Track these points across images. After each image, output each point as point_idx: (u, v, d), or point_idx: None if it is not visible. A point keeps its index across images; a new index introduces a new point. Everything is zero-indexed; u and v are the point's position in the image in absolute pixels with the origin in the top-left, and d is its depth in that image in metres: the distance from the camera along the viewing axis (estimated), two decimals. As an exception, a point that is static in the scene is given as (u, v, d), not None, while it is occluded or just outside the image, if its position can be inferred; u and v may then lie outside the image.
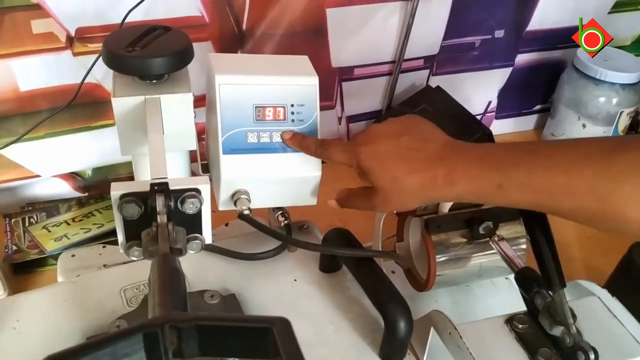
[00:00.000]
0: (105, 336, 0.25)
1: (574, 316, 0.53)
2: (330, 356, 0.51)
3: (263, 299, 0.56)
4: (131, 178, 0.87)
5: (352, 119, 0.97)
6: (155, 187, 0.39)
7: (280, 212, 0.63)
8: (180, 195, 0.41)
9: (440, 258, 0.65)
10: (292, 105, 0.57)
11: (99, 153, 0.82)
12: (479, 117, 1.06)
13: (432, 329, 0.60)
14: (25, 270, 0.73)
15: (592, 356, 0.50)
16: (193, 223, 0.43)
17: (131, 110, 0.53)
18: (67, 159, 0.81)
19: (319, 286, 0.58)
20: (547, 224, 0.56)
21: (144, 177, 0.60)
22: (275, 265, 0.60)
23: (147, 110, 0.52)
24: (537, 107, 1.10)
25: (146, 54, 0.52)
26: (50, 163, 0.81)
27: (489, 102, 1.05)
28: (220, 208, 0.58)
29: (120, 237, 0.43)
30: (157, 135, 0.48)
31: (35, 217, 0.80)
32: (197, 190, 0.42)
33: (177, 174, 0.61)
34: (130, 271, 0.58)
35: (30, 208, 0.82)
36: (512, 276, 0.74)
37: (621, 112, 0.94)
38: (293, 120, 0.58)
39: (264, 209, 0.64)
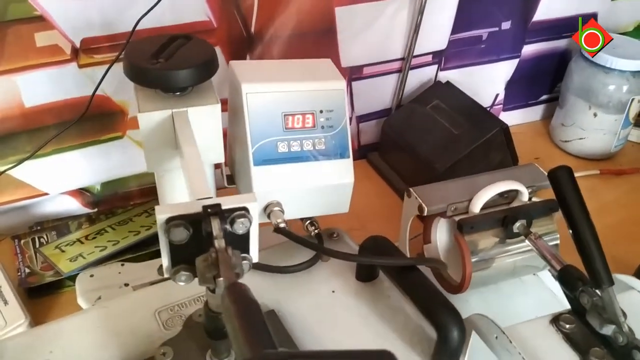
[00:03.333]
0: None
1: (624, 314, 0.52)
2: (380, 371, 0.49)
3: (303, 312, 0.54)
4: (142, 191, 0.85)
5: (362, 118, 0.95)
6: (209, 210, 0.37)
7: (308, 221, 0.62)
8: (230, 215, 0.39)
9: (474, 259, 0.64)
10: (321, 112, 0.56)
11: (107, 167, 0.80)
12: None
13: (473, 332, 0.59)
14: (41, 294, 0.70)
15: (648, 354, 0.50)
16: (242, 243, 0.41)
17: (157, 125, 0.51)
18: (75, 174, 0.78)
19: (358, 296, 0.57)
20: (589, 218, 0.55)
21: (169, 194, 0.58)
22: (310, 277, 0.58)
23: (177, 125, 0.49)
24: (544, 97, 1.10)
25: (172, 66, 0.49)
26: (58, 180, 0.78)
27: (497, 95, 1.04)
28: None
29: (166, 261, 0.41)
30: (192, 149, 0.46)
31: (45, 236, 0.77)
32: (246, 209, 0.40)
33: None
34: (161, 292, 0.56)
35: (39, 228, 0.79)
36: (541, 273, 0.73)
37: (632, 100, 0.93)
38: (323, 127, 0.56)
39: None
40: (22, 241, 0.77)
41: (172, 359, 0.44)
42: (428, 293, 0.50)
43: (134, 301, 0.55)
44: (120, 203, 0.83)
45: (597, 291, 0.53)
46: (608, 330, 0.52)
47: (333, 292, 0.57)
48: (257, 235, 0.42)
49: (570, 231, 0.55)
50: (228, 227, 0.37)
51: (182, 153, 0.46)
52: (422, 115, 0.90)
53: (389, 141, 0.93)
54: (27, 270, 0.72)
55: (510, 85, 1.04)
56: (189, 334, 0.46)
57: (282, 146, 0.54)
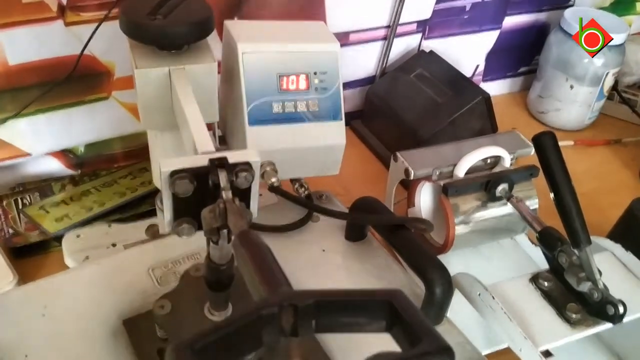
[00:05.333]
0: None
1: (599, 272, 0.56)
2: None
3: (295, 271, 0.55)
4: (126, 154, 0.85)
5: (345, 86, 0.95)
6: (217, 162, 0.37)
7: (298, 183, 0.63)
8: (233, 169, 0.40)
9: (457, 221, 0.66)
10: (315, 74, 0.56)
11: (92, 128, 0.79)
12: (467, 81, 1.07)
13: (455, 290, 0.61)
14: (26, 255, 0.70)
15: (621, 309, 0.53)
16: (243, 198, 0.42)
17: (154, 82, 0.51)
18: (59, 135, 0.77)
19: (347, 255, 0.58)
20: (570, 181, 0.58)
21: (162, 153, 0.58)
22: (301, 237, 0.60)
23: (176, 82, 0.49)
24: (522, 69, 1.12)
25: (171, 23, 0.49)
26: (41, 140, 0.77)
27: (477, 66, 1.06)
28: (246, 181, 0.56)
29: (168, 215, 0.41)
30: (192, 106, 0.46)
31: (28, 198, 0.76)
32: (249, 164, 0.41)
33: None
34: (153, 250, 0.57)
35: (21, 189, 0.78)
36: (518, 237, 0.76)
37: (607, 73, 0.96)
38: (316, 89, 0.57)
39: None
40: (5, 202, 0.76)
41: (171, 311, 0.45)
42: (418, 250, 0.52)
43: (126, 259, 0.55)
44: (104, 165, 0.82)
45: (575, 250, 0.56)
46: (584, 287, 0.55)
47: (323, 251, 0.58)
48: (257, 191, 0.43)
49: (552, 194, 0.58)
50: (234, 179, 0.38)
51: (183, 110, 0.46)
52: (406, 83, 0.91)
53: (373, 109, 0.95)
54: (11, 231, 0.72)
55: (490, 56, 1.06)
56: (186, 288, 0.47)
57: (277, 107, 0.55)
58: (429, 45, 0.98)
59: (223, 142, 0.62)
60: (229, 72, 0.57)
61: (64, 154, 0.80)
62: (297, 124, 0.56)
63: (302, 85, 0.56)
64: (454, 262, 0.76)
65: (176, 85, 0.49)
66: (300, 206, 0.55)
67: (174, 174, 0.39)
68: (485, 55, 1.05)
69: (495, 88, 1.11)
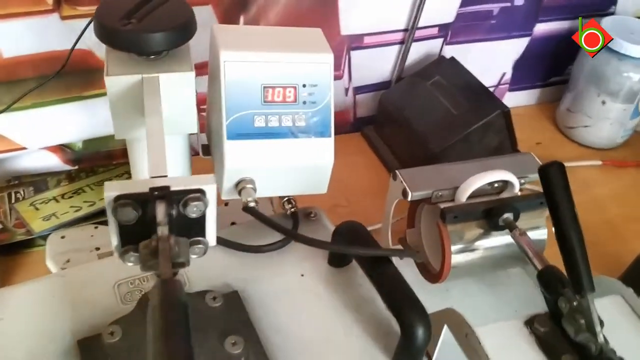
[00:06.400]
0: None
1: (601, 323, 0.50)
2: (340, 361, 0.48)
3: (268, 295, 0.52)
4: (125, 151, 0.82)
5: (359, 90, 0.91)
6: (156, 193, 0.34)
7: (286, 198, 0.59)
8: (183, 197, 0.37)
9: (455, 249, 0.62)
10: (304, 86, 0.52)
11: (90, 124, 0.77)
12: (491, 90, 1.01)
13: (445, 327, 0.57)
14: (11, 251, 0.69)
15: (621, 368, 0.47)
16: (196, 226, 0.39)
17: (127, 90, 0.48)
18: (56, 130, 0.76)
19: (328, 282, 0.54)
20: (577, 220, 0.52)
21: (140, 163, 0.55)
22: (281, 258, 0.56)
23: (145, 91, 0.46)
24: (554, 79, 1.05)
25: (144, 28, 0.46)
26: (37, 135, 0.75)
27: (503, 74, 1.00)
28: (223, 197, 0.53)
29: (115, 241, 0.38)
30: (155, 120, 0.43)
31: (22, 192, 0.75)
32: (202, 192, 0.37)
33: (176, 159, 0.56)
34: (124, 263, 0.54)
35: (16, 182, 0.77)
36: (528, 266, 0.71)
37: (644, 89, 0.89)
38: (305, 102, 0.53)
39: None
40: (-1, 195, 0.75)
41: (120, 339, 0.42)
42: (396, 288, 0.48)
43: (95, 271, 0.53)
44: (102, 162, 0.81)
45: (577, 296, 0.51)
46: (582, 338, 0.50)
47: (302, 275, 0.55)
48: (215, 218, 0.40)
49: (555, 231, 0.52)
50: (175, 211, 0.35)
51: (146, 124, 0.43)
52: (422, 91, 0.86)
53: (386, 115, 0.90)
54: (0, 227, 0.71)
55: (518, 65, 1.00)
56: (141, 313, 0.44)
57: (259, 120, 0.51)
58: (451, 50, 0.92)
59: (207, 152, 0.59)
60: (213, 78, 0.54)
61: (62, 149, 0.79)
62: (281, 140, 0.52)
63: (289, 97, 0.52)
64: (455, 291, 0.71)
65: (145, 95, 0.46)
66: (274, 230, 0.52)
67: (118, 199, 0.36)
68: (512, 63, 0.99)
69: (523, 98, 1.04)
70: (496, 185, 0.64)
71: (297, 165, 0.53)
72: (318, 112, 0.53)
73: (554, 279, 0.53)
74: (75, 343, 0.46)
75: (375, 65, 0.90)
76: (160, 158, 0.39)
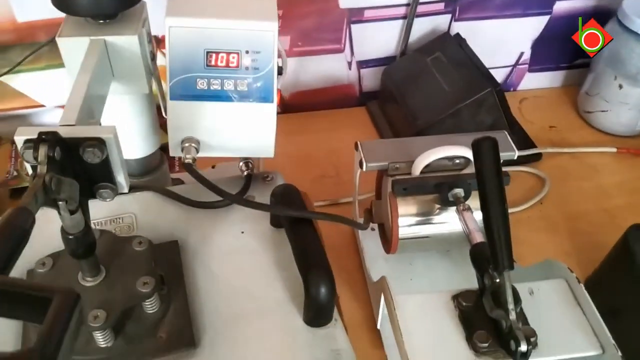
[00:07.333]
0: None
1: (517, 300, 0.50)
2: (253, 312, 0.50)
3: (206, 247, 0.56)
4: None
5: (364, 64, 0.92)
6: (43, 137, 0.38)
7: (244, 161, 0.62)
8: (81, 144, 0.41)
9: (406, 222, 0.62)
10: (247, 52, 0.55)
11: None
12: (508, 69, 0.98)
13: (381, 295, 0.58)
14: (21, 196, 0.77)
15: (523, 347, 0.47)
16: (103, 172, 0.43)
17: (75, 52, 0.53)
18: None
19: (265, 241, 0.57)
20: (504, 196, 0.51)
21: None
22: (227, 216, 0.59)
23: (87, 51, 0.51)
24: (579, 61, 1.00)
25: (88, -7, 0.50)
26: (52, 94, 0.83)
27: (521, 54, 0.96)
28: (171, 154, 0.57)
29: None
30: (82, 78, 0.47)
31: (39, 145, 0.84)
32: (100, 140, 0.41)
33: (136, 118, 0.61)
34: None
35: (36, 136, 0.85)
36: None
37: (665, 74, 0.83)
38: (247, 68, 0.55)
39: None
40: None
41: (50, 270, 0.48)
42: (307, 248, 0.50)
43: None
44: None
45: (495, 274, 0.50)
46: (497, 314, 0.50)
47: (242, 233, 0.58)
48: (122, 166, 0.44)
49: (480, 206, 0.52)
50: (60, 155, 0.39)
51: (75, 79, 0.47)
52: (421, 67, 0.85)
53: (386, 90, 0.90)
54: (15, 173, 0.79)
55: (539, 45, 0.95)
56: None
57: (202, 83, 0.55)
58: (460, 27, 0.90)
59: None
60: (167, 43, 0.57)
61: (76, 108, 0.86)
62: (222, 103, 0.55)
63: (232, 63, 0.55)
64: (417, 263, 0.72)
65: (86, 54, 0.50)
66: (207, 188, 0.55)
67: (26, 142, 0.41)
68: (531, 43, 0.95)
69: (545, 80, 1.00)
70: (457, 162, 0.64)
71: (238, 128, 0.56)
72: (260, 77, 0.55)
73: (482, 256, 0.53)
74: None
75: (380, 40, 0.90)
76: (72, 110, 0.44)
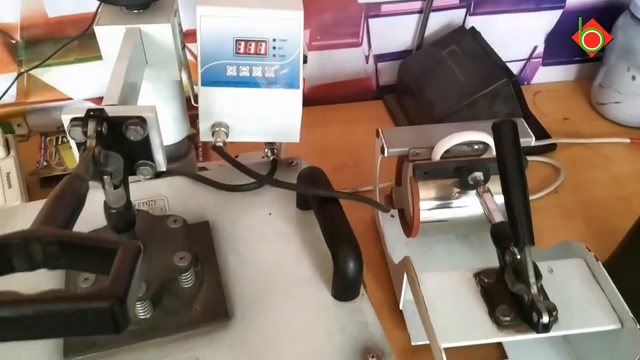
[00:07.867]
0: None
1: (538, 275, 0.51)
2: (283, 287, 0.52)
3: (236, 229, 0.58)
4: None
5: (380, 57, 0.94)
6: (91, 114, 0.41)
7: (270, 146, 0.64)
8: (124, 122, 0.43)
9: (427, 206, 0.64)
10: (274, 40, 0.57)
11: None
12: (522, 63, 0.99)
13: (404, 274, 0.60)
14: (51, 185, 0.80)
15: (544, 319, 0.49)
16: (143, 150, 0.45)
17: (112, 40, 0.55)
18: (96, 83, 0.86)
19: (292, 222, 0.59)
20: (523, 176, 0.53)
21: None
22: (255, 198, 0.62)
23: (124, 39, 0.53)
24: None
25: (125, -16, 0.53)
26: (80, 87, 0.86)
27: (535, 47, 0.98)
28: (202, 138, 0.59)
29: (77, 159, 0.46)
30: (120, 62, 0.50)
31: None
32: (142, 119, 0.44)
33: (167, 104, 0.64)
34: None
35: (64, 129, 0.88)
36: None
37: (678, 65, 0.84)
38: (274, 55, 0.57)
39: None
40: (48, 138, 0.87)
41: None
42: (335, 225, 0.52)
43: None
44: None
45: (517, 250, 0.52)
46: (519, 289, 0.51)
47: (270, 214, 0.60)
48: (160, 145, 0.46)
49: (501, 186, 0.54)
50: (118, 131, 0.41)
51: (114, 65, 0.50)
52: (437, 60, 0.87)
53: (403, 83, 0.92)
54: (45, 164, 0.82)
55: (552, 38, 0.97)
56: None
57: (231, 70, 0.57)
58: (475, 22, 0.92)
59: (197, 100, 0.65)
60: (198, 32, 0.60)
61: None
62: (251, 89, 0.57)
63: (260, 50, 0.57)
64: (436, 247, 0.73)
65: (122, 42, 0.53)
66: (237, 169, 0.57)
67: (72, 121, 0.43)
68: (544, 37, 0.97)
69: (559, 73, 1.02)
70: (476, 147, 0.66)
71: (265, 113, 0.58)
72: (287, 64, 0.58)
73: (503, 233, 0.55)
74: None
75: (396, 34, 0.92)
76: (113, 92, 0.46)
